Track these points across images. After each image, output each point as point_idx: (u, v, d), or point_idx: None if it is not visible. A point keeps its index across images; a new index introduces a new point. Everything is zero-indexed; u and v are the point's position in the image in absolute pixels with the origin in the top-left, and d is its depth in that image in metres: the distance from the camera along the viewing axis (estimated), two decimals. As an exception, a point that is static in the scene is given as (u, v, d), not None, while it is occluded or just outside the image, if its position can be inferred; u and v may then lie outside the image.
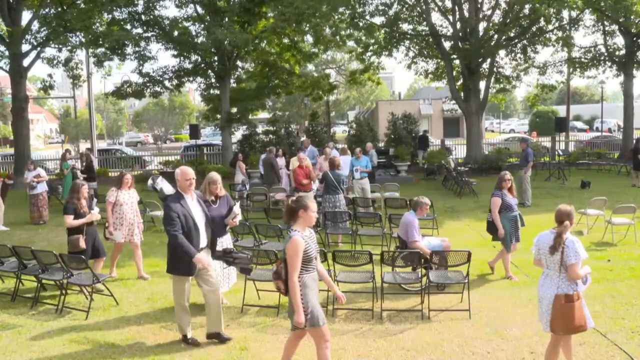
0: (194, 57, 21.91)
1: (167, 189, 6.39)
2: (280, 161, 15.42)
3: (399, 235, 7.44)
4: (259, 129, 24.73)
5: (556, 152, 22.59)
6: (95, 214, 7.47)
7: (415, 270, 7.00)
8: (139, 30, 20.67)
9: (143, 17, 20.44)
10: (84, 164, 15.34)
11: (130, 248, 8.28)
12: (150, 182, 6.60)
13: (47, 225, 12.77)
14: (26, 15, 20.80)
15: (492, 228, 7.67)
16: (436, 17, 22.86)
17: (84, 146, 31.67)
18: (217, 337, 5.70)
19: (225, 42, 18.15)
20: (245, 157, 20.57)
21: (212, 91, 23.89)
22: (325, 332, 4.48)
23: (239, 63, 23.32)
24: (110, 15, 20.00)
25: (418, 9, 21.93)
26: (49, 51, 25.81)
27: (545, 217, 11.64)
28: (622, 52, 22.53)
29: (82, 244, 7.18)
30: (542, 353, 5.24)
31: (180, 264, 5.41)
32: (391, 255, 6.79)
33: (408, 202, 10.99)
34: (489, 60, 21.50)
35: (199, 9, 21.12)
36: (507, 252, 7.56)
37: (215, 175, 6.29)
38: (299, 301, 4.32)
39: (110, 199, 7.89)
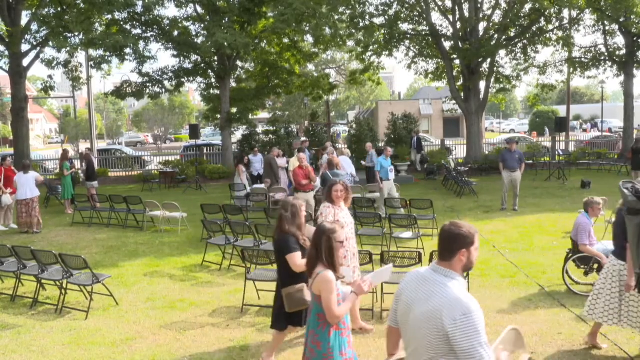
0: (193, 57, 21.89)
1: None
2: (281, 161, 15.40)
3: (572, 237, 7.24)
4: (259, 129, 24.73)
5: (556, 152, 22.58)
6: None
7: (587, 275, 6.91)
8: (139, 31, 20.65)
9: (142, 17, 20.42)
10: (84, 164, 15.21)
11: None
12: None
13: (46, 225, 12.52)
14: (26, 15, 20.81)
15: None
16: (436, 17, 22.90)
17: (83, 146, 31.68)
18: None
19: (225, 44, 18.12)
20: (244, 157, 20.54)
21: (212, 91, 23.87)
22: None
23: (239, 63, 23.32)
24: (110, 16, 19.98)
25: (418, 9, 21.95)
26: (49, 52, 25.81)
27: (545, 217, 11.66)
28: (623, 52, 22.53)
29: (308, 296, 4.51)
30: (542, 353, 5.25)
31: None
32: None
33: (408, 202, 10.99)
34: (489, 60, 21.49)
35: (199, 9, 21.13)
36: None
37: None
38: None
39: (329, 220, 5.44)
